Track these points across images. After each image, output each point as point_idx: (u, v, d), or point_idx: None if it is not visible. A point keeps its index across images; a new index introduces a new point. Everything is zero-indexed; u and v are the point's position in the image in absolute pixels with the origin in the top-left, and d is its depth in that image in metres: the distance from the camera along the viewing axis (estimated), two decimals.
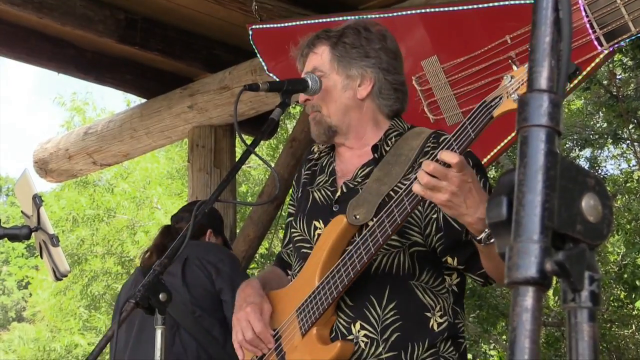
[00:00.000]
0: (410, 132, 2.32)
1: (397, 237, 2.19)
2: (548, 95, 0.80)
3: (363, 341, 2.16)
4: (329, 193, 2.36)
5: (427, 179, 1.87)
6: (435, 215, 2.18)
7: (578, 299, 0.82)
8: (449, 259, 2.19)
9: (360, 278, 2.17)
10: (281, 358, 2.26)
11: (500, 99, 1.94)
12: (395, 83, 2.36)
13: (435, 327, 2.19)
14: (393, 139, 2.31)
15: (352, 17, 3.20)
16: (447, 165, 1.87)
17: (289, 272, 2.49)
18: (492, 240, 1.95)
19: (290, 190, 2.62)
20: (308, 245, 2.33)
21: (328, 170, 2.42)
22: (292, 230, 2.43)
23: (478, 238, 1.96)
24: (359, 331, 2.17)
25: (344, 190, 2.31)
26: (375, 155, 2.30)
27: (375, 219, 2.09)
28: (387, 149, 2.29)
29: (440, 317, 2.21)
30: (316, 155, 2.50)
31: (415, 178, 1.94)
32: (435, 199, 1.90)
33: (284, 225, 2.81)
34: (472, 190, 1.89)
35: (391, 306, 2.18)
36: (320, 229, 2.31)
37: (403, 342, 2.16)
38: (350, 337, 2.17)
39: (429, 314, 2.20)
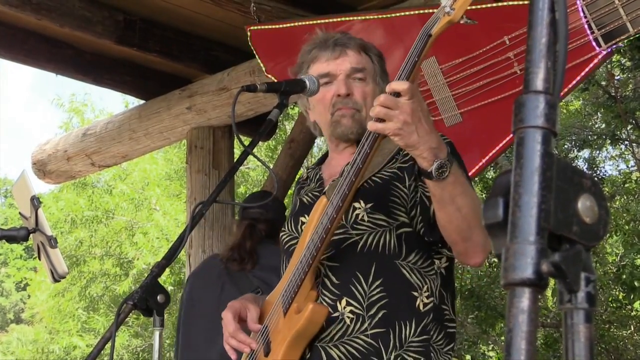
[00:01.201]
0: None
1: (384, 217, 2.22)
2: (544, 97, 0.80)
3: (349, 317, 2.18)
4: (317, 193, 2.41)
5: (378, 109, 1.93)
6: (419, 198, 2.21)
7: (574, 300, 0.82)
8: (427, 240, 2.22)
9: (346, 256, 2.20)
10: (266, 345, 2.27)
11: (438, 19, 2.02)
12: None
13: (421, 307, 2.20)
14: None
15: (355, 18, 3.20)
16: (397, 95, 1.93)
17: None
18: (444, 175, 1.98)
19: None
20: (295, 241, 2.36)
21: (315, 178, 2.49)
22: (282, 234, 2.47)
23: (429, 170, 1.98)
24: (344, 307, 2.18)
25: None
26: None
27: (346, 171, 2.13)
28: None
29: (427, 297, 2.22)
30: (305, 176, 2.57)
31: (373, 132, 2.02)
32: (387, 130, 1.94)
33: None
34: (422, 119, 1.95)
35: (377, 283, 2.19)
36: (305, 223, 2.34)
37: (389, 320, 2.17)
38: (336, 314, 2.18)
39: (415, 293, 2.21)
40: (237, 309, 2.32)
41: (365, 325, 2.17)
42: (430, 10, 3.61)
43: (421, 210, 2.20)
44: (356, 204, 2.23)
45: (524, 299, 0.77)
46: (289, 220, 2.44)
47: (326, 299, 2.21)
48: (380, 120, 1.95)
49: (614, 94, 9.56)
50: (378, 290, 2.19)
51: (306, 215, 2.35)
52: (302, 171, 2.69)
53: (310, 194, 2.44)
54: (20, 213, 3.07)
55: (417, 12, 3.68)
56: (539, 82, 0.80)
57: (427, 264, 2.24)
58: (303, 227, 2.35)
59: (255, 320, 2.30)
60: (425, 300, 2.21)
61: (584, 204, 0.82)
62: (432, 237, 2.19)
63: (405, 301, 2.19)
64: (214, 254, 4.30)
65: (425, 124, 1.95)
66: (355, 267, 2.21)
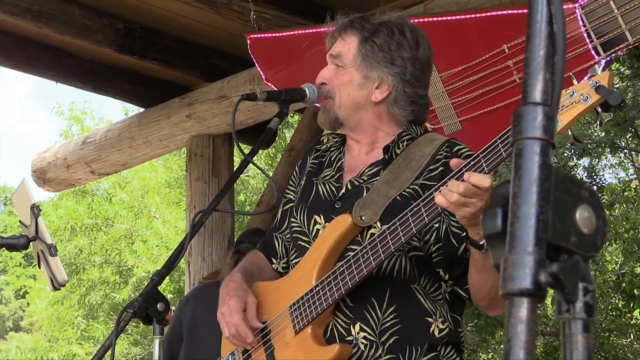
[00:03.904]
0: (422, 137, 2.30)
1: None
2: (542, 108, 0.81)
3: (363, 343, 2.16)
4: (334, 189, 2.33)
5: (456, 198, 1.88)
6: (437, 225, 2.17)
7: (572, 310, 0.83)
8: (442, 272, 2.19)
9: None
10: (270, 354, 2.25)
11: None
12: (414, 96, 2.32)
13: (436, 332, 2.18)
14: (405, 142, 2.28)
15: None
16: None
17: (274, 260, 2.46)
18: None
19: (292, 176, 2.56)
20: (306, 239, 2.31)
21: (336, 165, 2.38)
22: (292, 219, 2.39)
23: (480, 243, 1.96)
24: (358, 333, 2.16)
25: (349, 187, 2.28)
26: (386, 156, 2.27)
27: (387, 225, 2.08)
28: (398, 151, 2.27)
29: (442, 323, 2.20)
30: (324, 147, 2.46)
31: (431, 193, 1.97)
32: (460, 213, 1.92)
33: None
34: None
35: (391, 309, 2.17)
36: (320, 224, 2.28)
37: (401, 345, 2.15)
38: (350, 338, 2.16)
39: (430, 319, 2.19)
40: (242, 299, 2.26)
41: (379, 352, 2.15)
42: (428, 19, 3.61)
43: (444, 244, 2.16)
44: (377, 225, 2.17)
45: (523, 309, 0.77)
46: (302, 208, 2.35)
47: (340, 321, 2.19)
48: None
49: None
50: (392, 316, 2.16)
51: (322, 217, 2.29)
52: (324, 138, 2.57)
53: (327, 186, 2.34)
54: (20, 221, 3.07)
55: (416, 21, 3.68)
56: (537, 94, 0.81)
57: (434, 288, 2.22)
58: (316, 227, 2.29)
59: (254, 316, 2.26)
60: (441, 326, 2.19)
61: (582, 215, 0.82)
62: (450, 273, 2.17)
63: (418, 327, 2.17)
64: (209, 283, 4.35)
65: None
66: (370, 292, 2.18)
